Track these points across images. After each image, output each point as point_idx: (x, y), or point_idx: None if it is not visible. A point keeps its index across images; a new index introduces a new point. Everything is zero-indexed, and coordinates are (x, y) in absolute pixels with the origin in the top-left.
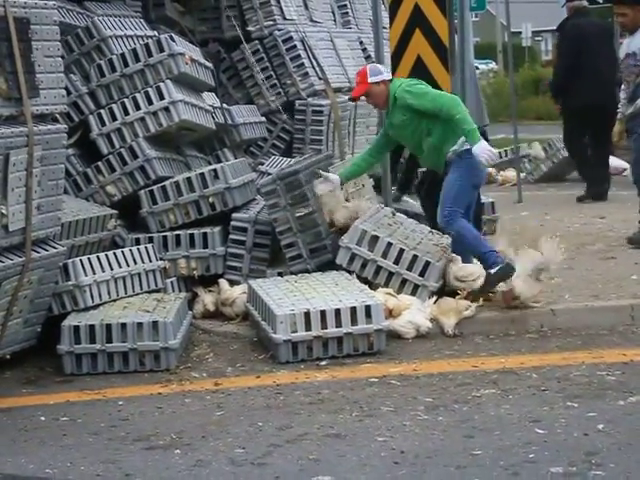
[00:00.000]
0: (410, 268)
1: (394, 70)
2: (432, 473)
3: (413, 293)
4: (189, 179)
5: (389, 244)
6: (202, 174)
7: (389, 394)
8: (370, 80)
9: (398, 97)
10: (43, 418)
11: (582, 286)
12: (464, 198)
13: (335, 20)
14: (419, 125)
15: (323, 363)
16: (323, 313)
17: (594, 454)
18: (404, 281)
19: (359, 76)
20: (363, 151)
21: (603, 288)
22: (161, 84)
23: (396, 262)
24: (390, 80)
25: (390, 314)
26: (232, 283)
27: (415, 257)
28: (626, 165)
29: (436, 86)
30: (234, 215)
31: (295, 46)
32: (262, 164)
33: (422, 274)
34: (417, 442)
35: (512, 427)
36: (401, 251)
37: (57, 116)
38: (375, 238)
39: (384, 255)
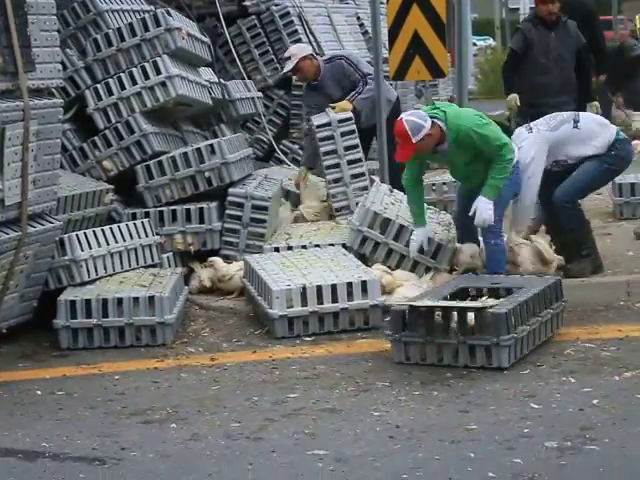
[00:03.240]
0: (422, 251)
1: (391, 45)
2: (427, 447)
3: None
4: (185, 154)
5: (401, 226)
6: (199, 149)
7: (385, 369)
8: (415, 140)
9: (460, 137)
10: (39, 392)
11: None
12: (506, 207)
13: None
14: (477, 158)
15: (319, 338)
16: (319, 288)
17: (589, 429)
18: (416, 263)
19: (400, 137)
20: (410, 193)
21: None
22: (158, 59)
23: (407, 244)
24: (432, 124)
25: (384, 290)
26: (228, 258)
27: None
28: None
29: (434, 62)
30: (230, 190)
31: (292, 21)
32: (259, 140)
33: (434, 256)
34: (412, 417)
35: (507, 402)
36: (412, 233)
37: (53, 90)
38: (386, 220)
39: (395, 237)
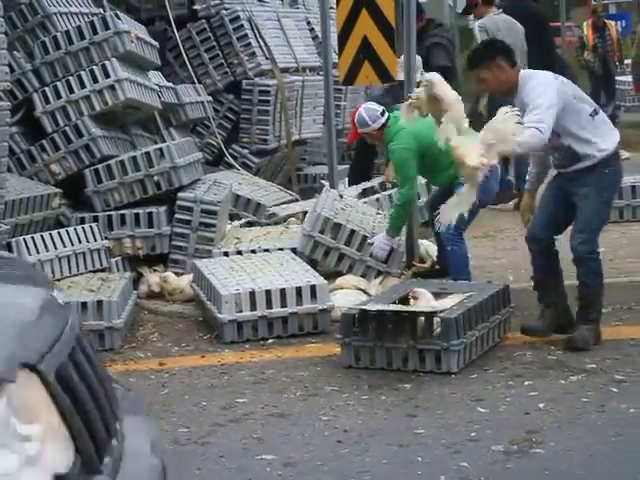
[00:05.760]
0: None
1: (340, 50)
2: (375, 451)
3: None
4: (134, 158)
5: (352, 231)
6: (147, 153)
7: (333, 374)
8: (359, 131)
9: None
10: None
11: (526, 266)
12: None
13: (282, 0)
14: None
15: (269, 342)
16: (268, 293)
17: (535, 432)
18: (367, 268)
19: (352, 122)
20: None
21: None
22: (106, 62)
23: (359, 249)
24: (382, 126)
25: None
26: (177, 263)
27: None
28: None
29: (383, 67)
30: (180, 194)
31: (242, 25)
32: (209, 144)
33: (385, 261)
34: (360, 421)
35: (454, 406)
36: (364, 238)
37: (0, 93)
38: (337, 225)
39: (347, 243)
